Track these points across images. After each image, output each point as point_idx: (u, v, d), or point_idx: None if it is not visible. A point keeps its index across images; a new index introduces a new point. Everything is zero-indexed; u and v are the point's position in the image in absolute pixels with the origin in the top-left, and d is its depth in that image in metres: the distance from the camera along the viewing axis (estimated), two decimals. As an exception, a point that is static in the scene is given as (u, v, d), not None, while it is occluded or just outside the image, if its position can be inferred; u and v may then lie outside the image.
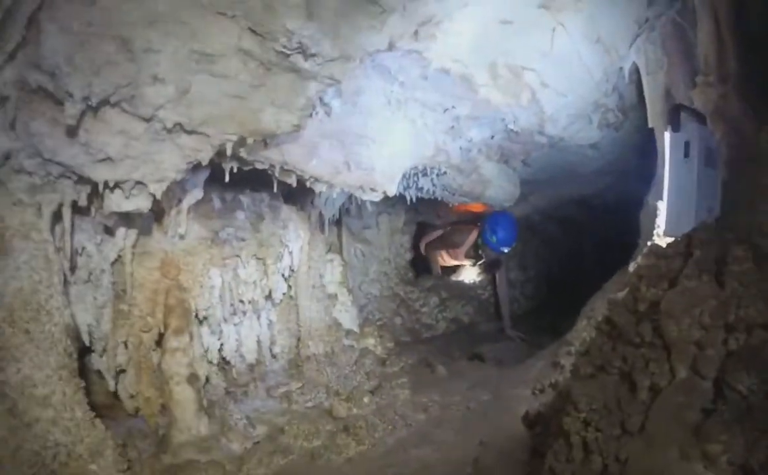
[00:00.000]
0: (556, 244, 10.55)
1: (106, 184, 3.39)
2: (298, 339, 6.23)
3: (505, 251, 7.96)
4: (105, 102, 2.93)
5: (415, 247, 8.98)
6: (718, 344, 2.64)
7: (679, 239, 3.13)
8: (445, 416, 5.60)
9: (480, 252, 8.25)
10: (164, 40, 2.76)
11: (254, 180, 4.99)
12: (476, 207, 7.83)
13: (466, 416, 5.60)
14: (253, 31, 2.94)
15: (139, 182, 3.43)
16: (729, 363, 2.58)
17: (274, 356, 6.09)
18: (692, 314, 2.70)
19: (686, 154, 3.23)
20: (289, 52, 3.10)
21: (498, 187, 6.92)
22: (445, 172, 6.12)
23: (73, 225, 3.75)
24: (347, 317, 6.84)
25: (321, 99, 3.84)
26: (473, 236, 8.05)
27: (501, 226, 7.69)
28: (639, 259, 4.16)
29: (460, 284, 9.55)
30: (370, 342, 6.91)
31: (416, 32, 3.88)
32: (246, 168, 4.23)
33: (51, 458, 3.36)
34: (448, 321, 9.04)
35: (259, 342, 5.87)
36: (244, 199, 5.39)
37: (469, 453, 4.63)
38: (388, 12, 3.36)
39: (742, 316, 2.61)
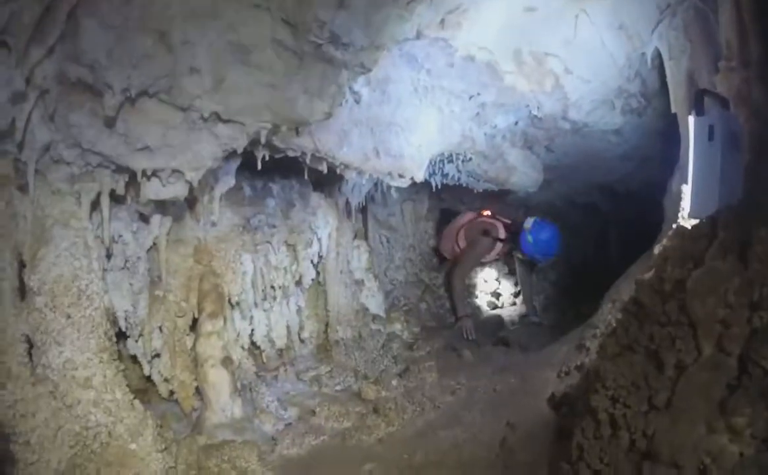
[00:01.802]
0: (580, 230, 10.46)
1: (144, 173, 3.50)
2: (327, 324, 6.35)
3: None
4: (143, 93, 3.02)
5: (438, 233, 9.04)
6: (742, 322, 2.68)
7: (704, 220, 3.18)
8: (473, 398, 5.67)
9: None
10: (201, 32, 2.85)
11: (284, 167, 5.10)
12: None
13: (492, 398, 5.66)
14: (287, 22, 3.02)
15: (176, 171, 3.54)
16: (753, 340, 2.63)
17: (302, 341, 6.22)
18: (717, 293, 2.75)
19: (710, 138, 3.25)
20: (321, 42, 3.18)
21: (522, 173, 6.96)
22: (470, 159, 6.20)
23: (110, 213, 3.86)
24: (374, 302, 6.95)
25: (351, 87, 3.93)
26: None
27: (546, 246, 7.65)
28: (664, 241, 4.20)
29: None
30: (397, 327, 7.03)
31: (443, 20, 3.95)
32: (278, 156, 4.34)
33: (92, 438, 3.47)
34: (472, 306, 9.11)
35: (288, 327, 5.99)
36: (274, 186, 5.51)
37: (497, 434, 4.70)
38: (417, 1, 3.44)
39: (765, 294, 2.65)
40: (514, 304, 9.55)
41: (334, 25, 3.12)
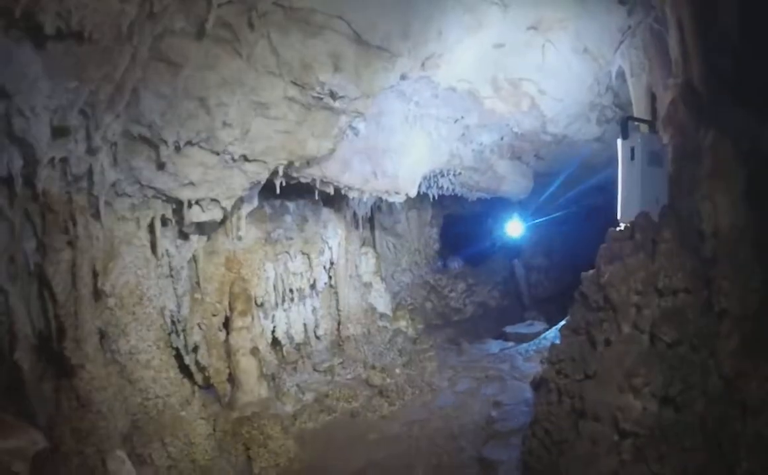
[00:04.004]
0: (581, 229, 10.47)
1: (188, 202, 4.40)
2: (339, 322, 7.19)
3: None
4: (188, 143, 3.87)
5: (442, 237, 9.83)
6: (652, 306, 3.46)
7: (627, 225, 3.92)
8: (467, 383, 6.49)
9: None
10: (231, 96, 3.69)
11: (298, 189, 5.97)
12: None
13: (484, 383, 6.48)
14: (295, 83, 3.87)
15: (213, 199, 4.43)
16: (659, 320, 3.40)
17: (318, 337, 7.07)
18: (629, 283, 3.55)
19: (632, 158, 3.97)
20: (322, 96, 4.03)
21: (512, 181, 7.69)
22: (460, 173, 6.97)
23: (161, 233, 4.72)
24: (381, 302, 7.77)
25: (350, 125, 4.76)
26: None
27: None
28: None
29: (487, 269, 10.34)
30: (402, 324, 7.82)
31: (423, 64, 4.68)
32: (292, 182, 5.21)
33: (151, 407, 4.35)
34: (475, 305, 9.86)
35: (305, 325, 6.86)
36: (290, 204, 6.41)
37: (485, 410, 5.55)
38: (397, 56, 4.22)
39: (667, 283, 3.43)
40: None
41: (331, 84, 3.97)
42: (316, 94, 4.02)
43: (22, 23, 2.71)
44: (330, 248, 6.77)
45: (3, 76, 2.94)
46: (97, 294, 4.22)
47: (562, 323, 6.74)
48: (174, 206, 4.55)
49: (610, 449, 3.30)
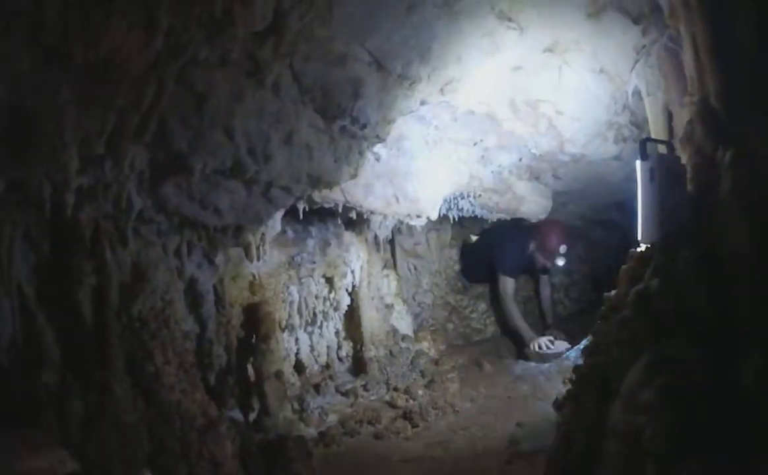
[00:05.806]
0: (601, 247, 10.56)
1: (215, 229, 4.51)
2: (361, 344, 7.22)
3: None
4: (214, 171, 3.96)
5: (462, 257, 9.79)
6: (673, 328, 3.46)
7: (649, 246, 3.95)
8: (489, 404, 6.52)
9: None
10: (258, 125, 3.79)
11: (320, 213, 6.08)
12: None
13: (507, 404, 6.50)
14: (318, 112, 3.98)
15: (239, 226, 4.55)
16: (681, 341, 3.40)
17: (340, 360, 7.14)
18: (649, 305, 3.55)
19: (651, 179, 3.99)
20: (345, 123, 4.13)
21: (531, 202, 7.72)
22: (480, 195, 7.02)
23: (187, 258, 4.84)
24: (403, 323, 7.83)
25: (371, 150, 4.87)
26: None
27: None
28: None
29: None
30: (424, 345, 7.85)
31: (442, 90, 4.77)
32: (315, 207, 5.32)
33: (177, 428, 4.38)
34: (496, 325, 9.85)
35: (328, 347, 6.94)
36: (313, 229, 6.52)
37: (508, 432, 5.56)
38: (417, 81, 4.33)
39: (688, 304, 3.42)
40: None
41: (353, 111, 4.06)
42: (337, 121, 4.11)
43: (53, 53, 2.72)
44: (352, 271, 6.84)
45: (33, 103, 3.00)
46: (124, 317, 4.29)
47: (584, 342, 6.76)
48: (200, 232, 4.65)
49: (633, 469, 3.30)
